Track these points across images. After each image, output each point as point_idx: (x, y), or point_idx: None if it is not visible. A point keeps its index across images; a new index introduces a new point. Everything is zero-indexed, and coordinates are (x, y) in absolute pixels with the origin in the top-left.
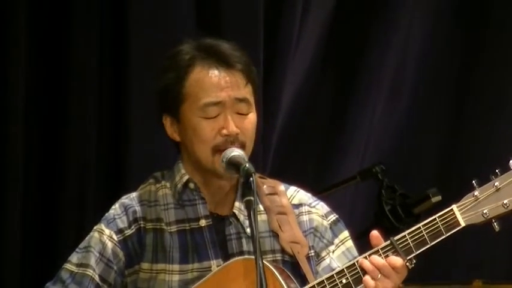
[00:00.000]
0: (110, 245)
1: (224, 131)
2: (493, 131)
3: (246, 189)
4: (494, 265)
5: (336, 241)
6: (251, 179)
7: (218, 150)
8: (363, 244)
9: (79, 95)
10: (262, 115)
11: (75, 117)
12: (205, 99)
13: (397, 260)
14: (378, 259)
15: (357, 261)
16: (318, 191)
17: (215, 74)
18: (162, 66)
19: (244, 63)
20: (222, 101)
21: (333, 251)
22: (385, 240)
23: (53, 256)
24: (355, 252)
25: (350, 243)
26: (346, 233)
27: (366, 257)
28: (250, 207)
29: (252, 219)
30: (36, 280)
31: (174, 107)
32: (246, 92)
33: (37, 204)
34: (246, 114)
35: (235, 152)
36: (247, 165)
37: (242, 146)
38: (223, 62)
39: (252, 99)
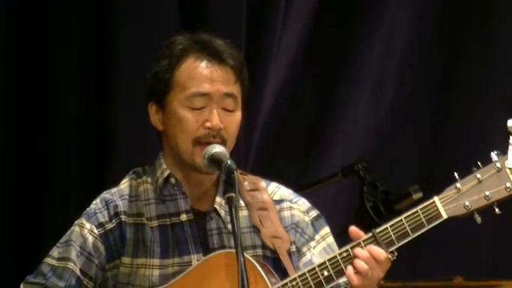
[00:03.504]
0: (90, 238)
1: (208, 124)
2: (475, 129)
3: (228, 186)
4: (475, 262)
5: (317, 237)
6: (233, 175)
7: (199, 143)
8: (344, 241)
9: (62, 94)
10: (244, 111)
11: (59, 116)
12: (193, 89)
13: (380, 252)
14: (360, 251)
15: (339, 253)
16: (301, 188)
17: (207, 66)
18: (156, 54)
19: (237, 61)
20: (209, 93)
21: (314, 247)
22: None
23: (35, 253)
24: (336, 248)
25: (331, 239)
26: (327, 229)
27: (347, 250)
28: (232, 203)
29: (234, 216)
30: (17, 275)
31: (161, 95)
32: (235, 89)
33: (19, 203)
34: (232, 111)
35: (217, 148)
36: (228, 162)
37: (223, 142)
38: (216, 56)
39: (239, 98)
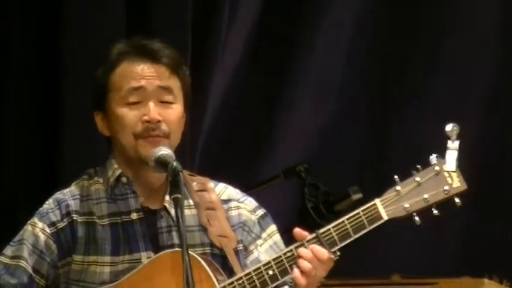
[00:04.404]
0: (42, 237)
1: (145, 117)
2: (414, 132)
3: (174, 188)
4: (413, 260)
5: (264, 235)
6: (178, 177)
7: (140, 137)
8: (289, 239)
9: (10, 97)
10: (189, 114)
11: (9, 118)
12: (127, 86)
13: (323, 252)
14: (304, 251)
15: (284, 253)
16: (244, 189)
17: (139, 65)
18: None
19: (172, 58)
20: (143, 86)
21: (261, 245)
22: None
23: None
24: (282, 245)
25: (277, 237)
26: (273, 227)
27: (292, 250)
28: (177, 204)
29: (179, 217)
30: None
31: (101, 101)
32: (171, 82)
33: None
34: (170, 103)
35: (163, 150)
36: (174, 164)
37: (165, 136)
38: (149, 56)
39: (178, 94)
